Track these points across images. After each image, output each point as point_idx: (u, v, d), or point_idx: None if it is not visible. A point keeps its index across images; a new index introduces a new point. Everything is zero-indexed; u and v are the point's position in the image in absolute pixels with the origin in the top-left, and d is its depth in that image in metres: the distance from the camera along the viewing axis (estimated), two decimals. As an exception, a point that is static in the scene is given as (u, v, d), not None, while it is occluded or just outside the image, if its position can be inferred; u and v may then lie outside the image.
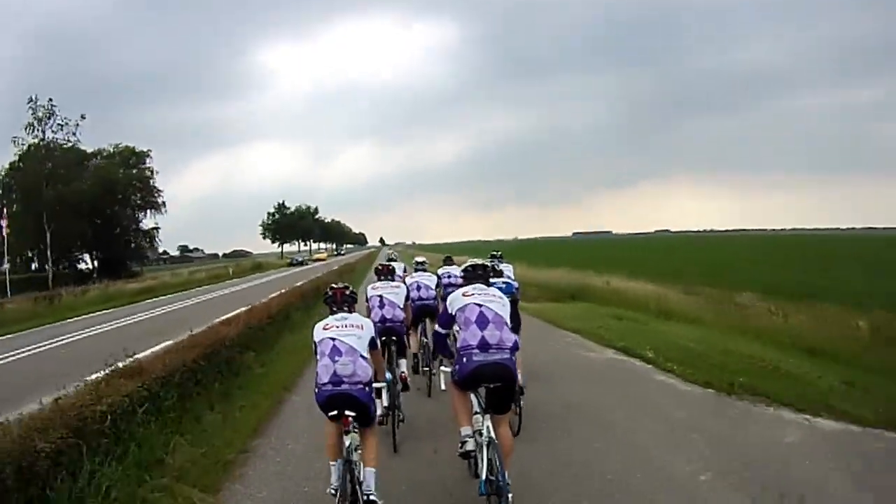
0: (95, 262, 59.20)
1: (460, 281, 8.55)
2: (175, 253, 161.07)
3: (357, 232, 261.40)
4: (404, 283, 9.05)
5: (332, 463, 4.91)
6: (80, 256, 59.52)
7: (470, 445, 5.00)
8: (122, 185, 59.23)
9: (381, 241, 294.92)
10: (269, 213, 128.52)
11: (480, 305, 5.05)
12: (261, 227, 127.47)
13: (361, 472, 4.74)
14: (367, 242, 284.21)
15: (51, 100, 49.24)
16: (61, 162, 51.93)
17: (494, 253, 10.14)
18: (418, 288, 9.46)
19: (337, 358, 4.85)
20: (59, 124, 50.03)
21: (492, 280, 5.82)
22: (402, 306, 7.80)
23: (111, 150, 61.18)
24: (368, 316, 7.44)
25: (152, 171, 63.02)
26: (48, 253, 48.80)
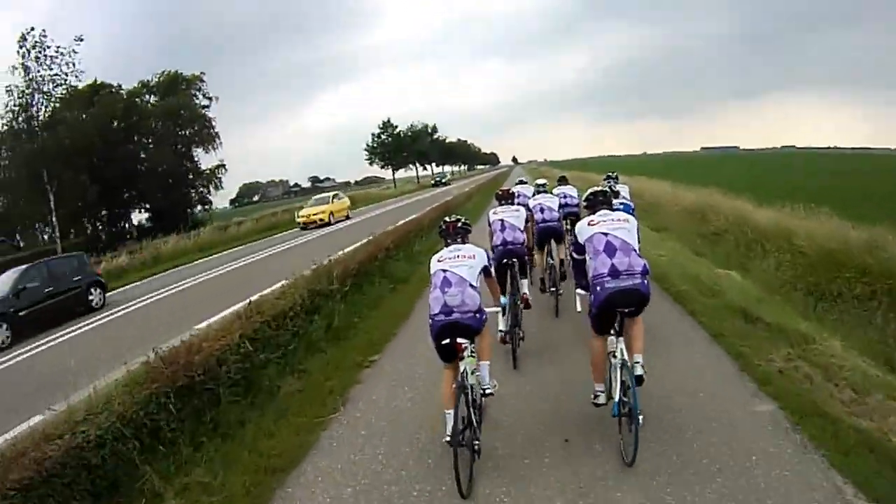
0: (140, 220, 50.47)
1: (575, 200, 10.18)
2: (306, 184, 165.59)
3: (487, 152, 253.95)
4: (527, 206, 9.24)
5: (447, 412, 4.87)
6: (125, 214, 49.77)
7: (601, 400, 5.21)
8: (149, 117, 48.99)
9: (514, 159, 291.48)
10: (373, 135, 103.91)
11: (606, 234, 5.08)
12: (365, 152, 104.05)
13: (476, 384, 5.11)
14: (498, 162, 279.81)
15: (43, 31, 37.90)
16: (63, 105, 40.96)
17: (610, 174, 10.77)
18: (542, 210, 9.52)
19: (447, 289, 5.04)
20: (49, 56, 38.15)
21: None
22: (522, 229, 8.01)
23: (146, 81, 50.34)
24: (491, 239, 7.95)
25: (209, 98, 52.11)
26: (52, 219, 38.73)
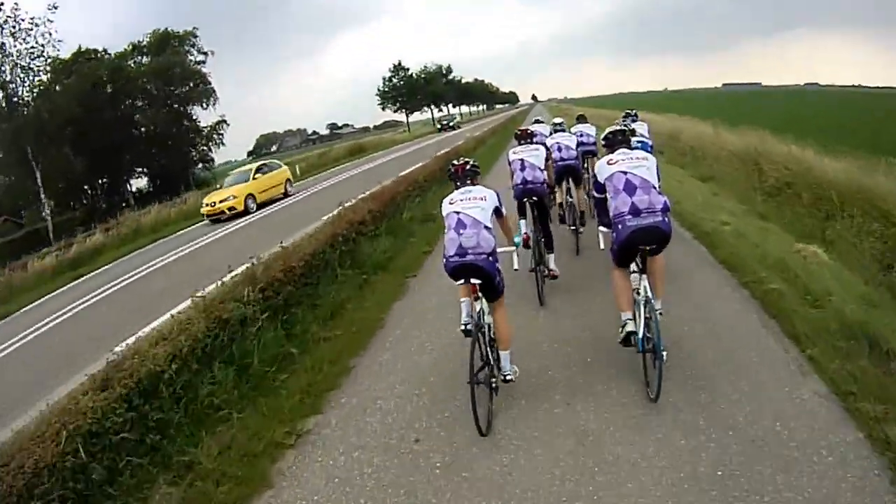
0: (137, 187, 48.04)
1: (592, 139, 11.08)
2: (325, 132, 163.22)
3: (506, 91, 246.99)
4: (545, 145, 8.77)
5: (462, 300, 5.32)
6: (122, 182, 47.57)
7: (630, 327, 5.09)
8: (138, 79, 46.44)
9: (534, 97, 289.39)
10: (384, 79, 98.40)
11: (626, 173, 5.06)
12: (377, 97, 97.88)
13: (495, 344, 5.20)
14: (518, 101, 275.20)
15: (16, 4, 37.46)
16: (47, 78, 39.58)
17: (628, 111, 11.00)
18: (559, 149, 9.53)
19: (461, 231, 5.05)
20: (23, 29, 36.74)
21: None
22: (542, 168, 7.84)
23: (137, 42, 47.80)
24: (511, 178, 7.94)
25: (204, 53, 50.01)
26: (41, 195, 37.45)
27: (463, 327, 5.29)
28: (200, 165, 52.74)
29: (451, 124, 75.35)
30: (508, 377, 5.17)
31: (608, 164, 5.25)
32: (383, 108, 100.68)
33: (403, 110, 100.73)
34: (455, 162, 5.73)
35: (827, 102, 62.67)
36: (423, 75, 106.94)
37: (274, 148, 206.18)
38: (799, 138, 15.28)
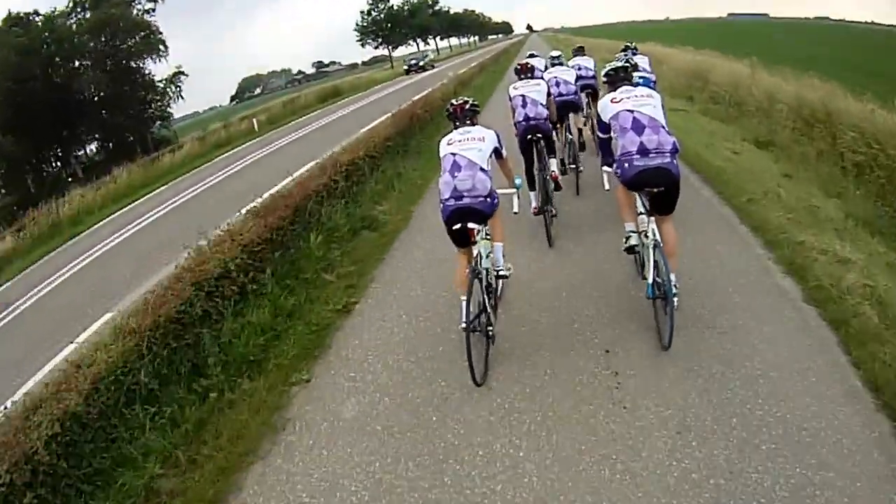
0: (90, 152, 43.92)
1: (591, 73, 10.41)
2: (311, 71, 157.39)
3: (499, 21, 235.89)
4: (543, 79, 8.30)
5: (462, 298, 4.85)
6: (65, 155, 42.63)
7: (633, 240, 5.10)
8: (72, 38, 41.09)
9: (529, 27, 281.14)
10: (362, 13, 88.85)
11: (632, 111, 4.87)
12: (355, 32, 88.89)
13: (490, 267, 5.22)
14: (512, 31, 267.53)
15: None
16: None
17: (628, 44, 10.60)
18: (557, 84, 9.00)
19: (456, 173, 4.96)
20: None
21: None
22: (544, 103, 7.59)
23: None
24: (513, 115, 7.65)
25: (154, 0, 44.07)
26: None
27: (464, 325, 4.64)
28: (159, 123, 47.26)
29: (420, 64, 62.23)
30: (502, 272, 5.29)
31: (612, 102, 5.04)
32: (363, 45, 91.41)
33: (386, 46, 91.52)
34: (454, 101, 5.57)
35: (844, 38, 58.60)
36: (406, 6, 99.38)
37: (258, 91, 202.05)
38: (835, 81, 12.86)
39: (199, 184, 20.08)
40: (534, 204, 7.29)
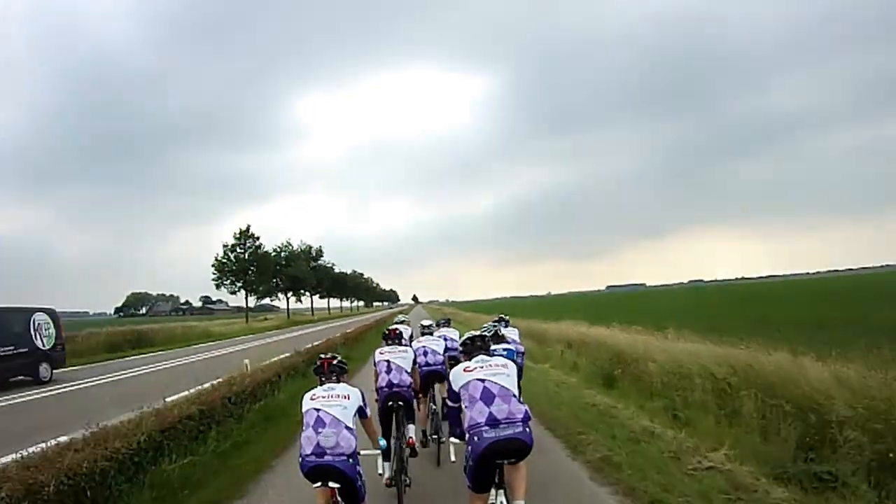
0: None
1: (456, 343, 9.46)
2: (198, 303, 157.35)
3: (387, 289, 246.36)
4: (411, 347, 8.58)
5: None
6: None
7: None
8: None
9: (415, 298, 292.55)
10: (225, 247, 72.82)
11: (483, 381, 4.86)
12: (213, 270, 71.93)
13: None
14: (398, 300, 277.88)
15: None
16: None
17: (503, 316, 10.98)
18: (425, 353, 8.92)
19: (320, 429, 4.82)
20: None
21: (493, 347, 6.20)
22: (409, 371, 7.67)
23: None
24: (376, 380, 7.62)
25: None
26: None
27: None
28: None
29: None
30: None
31: (465, 371, 5.05)
32: (218, 286, 72.91)
33: (246, 292, 74.39)
34: (322, 355, 5.61)
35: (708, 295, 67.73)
36: (280, 252, 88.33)
37: (144, 310, 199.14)
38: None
39: None
40: (386, 474, 6.84)
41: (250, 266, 72.90)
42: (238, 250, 72.56)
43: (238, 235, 72.98)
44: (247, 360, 16.07)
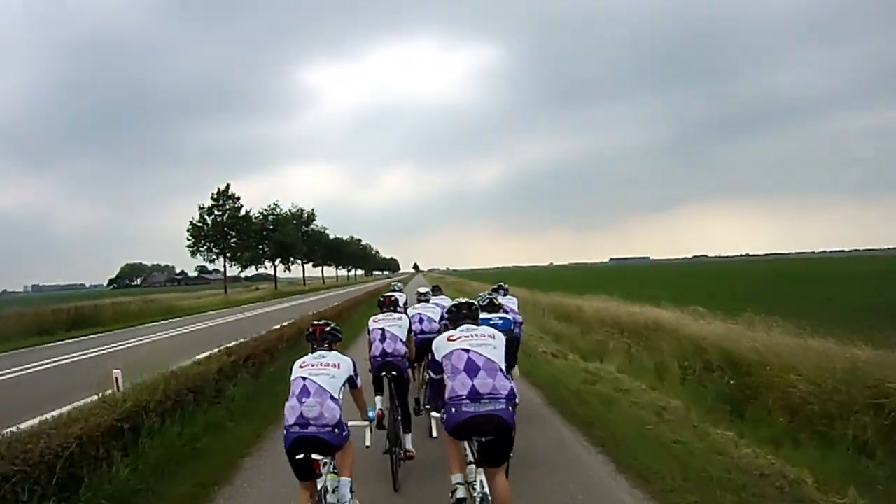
0: None
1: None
2: (193, 273, 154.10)
3: (387, 257, 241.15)
4: (406, 314, 8.27)
5: None
6: None
7: (461, 493, 4.55)
8: None
9: (416, 267, 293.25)
10: (200, 208, 62.62)
11: (468, 351, 4.65)
12: (188, 236, 62.41)
13: (336, 502, 4.71)
14: (398, 269, 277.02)
15: None
16: None
17: (502, 284, 10.38)
18: (420, 321, 8.86)
19: (304, 399, 4.61)
20: None
21: (488, 316, 6.46)
22: (403, 339, 7.35)
23: None
24: (369, 349, 7.44)
25: None
26: None
27: None
28: None
29: None
30: None
31: (448, 339, 4.83)
32: (193, 253, 63.28)
33: (225, 259, 64.91)
34: (315, 322, 5.34)
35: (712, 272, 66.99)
36: (266, 216, 77.89)
37: (138, 281, 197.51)
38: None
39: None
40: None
41: (229, 230, 63.54)
42: (216, 212, 62.76)
43: (216, 196, 63.06)
44: (117, 372, 9.45)
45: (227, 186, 63.74)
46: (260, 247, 73.92)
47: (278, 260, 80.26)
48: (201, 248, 62.59)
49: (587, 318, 18.97)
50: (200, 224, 61.97)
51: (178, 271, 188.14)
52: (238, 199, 64.05)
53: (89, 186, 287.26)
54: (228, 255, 64.65)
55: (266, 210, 78.64)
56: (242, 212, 65.16)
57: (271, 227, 77.09)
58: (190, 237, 62.00)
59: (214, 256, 63.80)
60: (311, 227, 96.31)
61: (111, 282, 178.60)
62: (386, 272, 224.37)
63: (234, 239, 64.34)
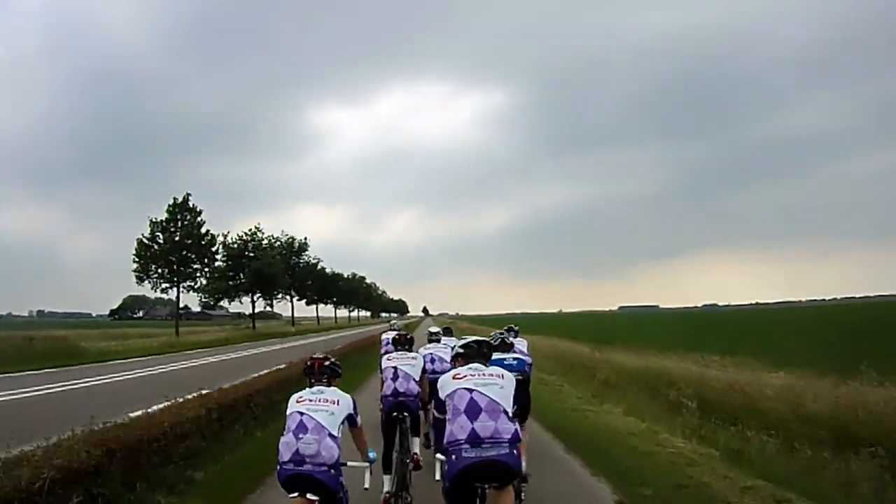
0: None
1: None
2: (196, 308, 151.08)
3: (395, 298, 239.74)
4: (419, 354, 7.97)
5: None
6: None
7: None
8: None
9: (425, 310, 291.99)
10: (152, 223, 50.69)
11: (471, 391, 4.35)
12: (134, 258, 50.24)
13: None
14: (407, 311, 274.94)
15: None
16: None
17: (513, 326, 10.05)
18: (432, 360, 8.86)
19: (301, 435, 4.43)
20: None
21: (502, 356, 6.51)
22: (417, 379, 7.14)
23: None
24: (381, 388, 7.32)
25: None
26: None
27: None
28: None
29: None
30: None
31: (454, 378, 4.56)
32: (140, 280, 50.37)
33: (178, 289, 52.44)
34: (314, 356, 5.16)
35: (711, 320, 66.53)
36: (248, 241, 67.57)
37: (140, 314, 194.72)
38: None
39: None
40: (386, 488, 6.32)
41: (188, 252, 51.25)
42: (172, 229, 50.78)
43: (172, 207, 51.02)
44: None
45: (186, 197, 52.52)
46: (237, 277, 64.17)
47: (257, 292, 67.78)
48: (151, 273, 50.42)
49: (670, 378, 14.59)
50: (149, 242, 49.95)
51: (181, 306, 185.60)
52: (200, 213, 52.88)
53: (97, 216, 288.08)
54: (184, 283, 52.61)
55: (246, 234, 68.08)
56: (204, 229, 53.40)
57: (251, 254, 66.48)
58: (136, 258, 49.82)
59: (166, 284, 51.32)
60: (303, 258, 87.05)
61: (112, 312, 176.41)
62: (394, 314, 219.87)
63: (195, 264, 52.88)
